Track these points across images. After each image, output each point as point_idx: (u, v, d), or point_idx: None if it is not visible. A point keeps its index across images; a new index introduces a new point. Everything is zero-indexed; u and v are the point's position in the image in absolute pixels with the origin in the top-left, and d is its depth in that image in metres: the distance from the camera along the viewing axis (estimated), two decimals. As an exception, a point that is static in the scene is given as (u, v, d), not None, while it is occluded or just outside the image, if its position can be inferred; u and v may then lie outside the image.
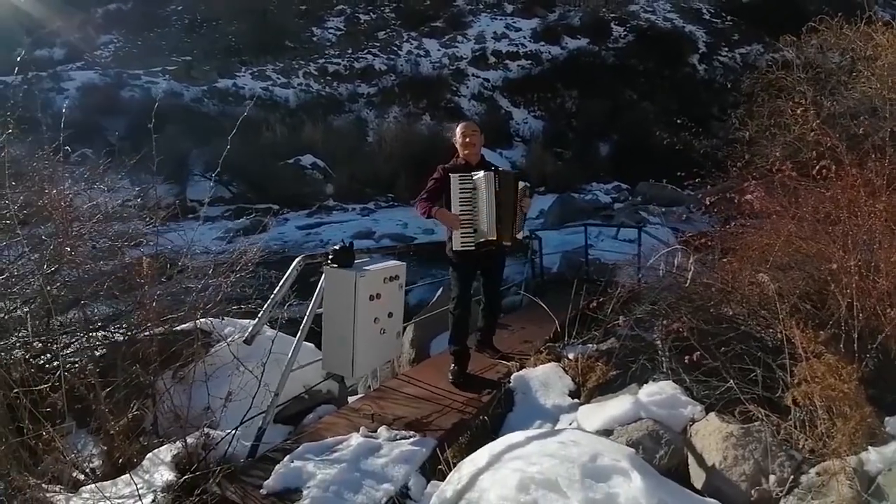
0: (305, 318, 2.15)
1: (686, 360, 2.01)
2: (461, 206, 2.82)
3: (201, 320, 2.41)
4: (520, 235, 3.03)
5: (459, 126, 3.10)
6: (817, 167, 2.27)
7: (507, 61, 26.72)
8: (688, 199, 17.55)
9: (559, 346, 3.08)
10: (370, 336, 2.12)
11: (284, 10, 31.70)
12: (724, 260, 2.54)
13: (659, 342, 2.42)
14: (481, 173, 2.85)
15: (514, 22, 29.17)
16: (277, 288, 2.05)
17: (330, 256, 2.09)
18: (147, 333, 2.47)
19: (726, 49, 26.52)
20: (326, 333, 2.12)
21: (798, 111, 3.35)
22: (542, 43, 27.42)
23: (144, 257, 2.35)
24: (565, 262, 8.66)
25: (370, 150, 20.02)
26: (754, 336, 2.11)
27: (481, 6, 30.93)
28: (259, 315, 1.97)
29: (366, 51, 28.11)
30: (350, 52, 28.01)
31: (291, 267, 2.07)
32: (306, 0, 32.47)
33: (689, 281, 2.17)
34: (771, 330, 2.11)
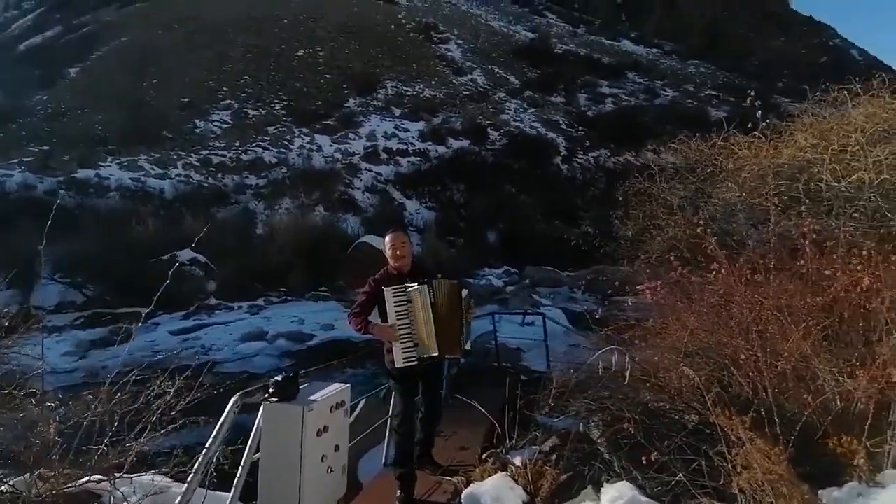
0: (240, 469, 1.80)
1: (643, 461, 2.09)
2: (398, 319, 2.74)
3: (95, 479, 1.86)
4: (467, 346, 3.00)
5: (388, 237, 3.08)
6: (713, 269, 2.71)
7: (397, 157, 28.46)
8: (567, 280, 19.49)
9: (502, 452, 3.00)
10: (318, 479, 1.84)
11: (163, 101, 30.58)
12: (642, 352, 2.80)
13: (603, 439, 2.49)
14: (415, 286, 2.83)
15: (402, 123, 31.66)
16: (212, 438, 1.70)
17: (270, 390, 1.83)
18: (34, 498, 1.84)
19: (581, 153, 31.56)
20: (264, 484, 1.79)
21: (669, 216, 4.07)
22: (430, 142, 29.98)
23: (52, 424, 1.80)
24: (474, 351, 8.77)
25: (260, 242, 19.05)
26: (688, 426, 2.30)
27: (371, 108, 33.21)
28: (188, 481, 1.58)
29: (255, 144, 27.87)
30: (238, 144, 27.53)
31: (228, 408, 1.76)
32: (189, 92, 31.86)
33: (627, 378, 2.34)
34: (700, 417, 2.32)
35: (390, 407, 3.45)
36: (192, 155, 25.86)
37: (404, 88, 35.93)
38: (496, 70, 41.00)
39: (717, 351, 2.63)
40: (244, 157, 26.59)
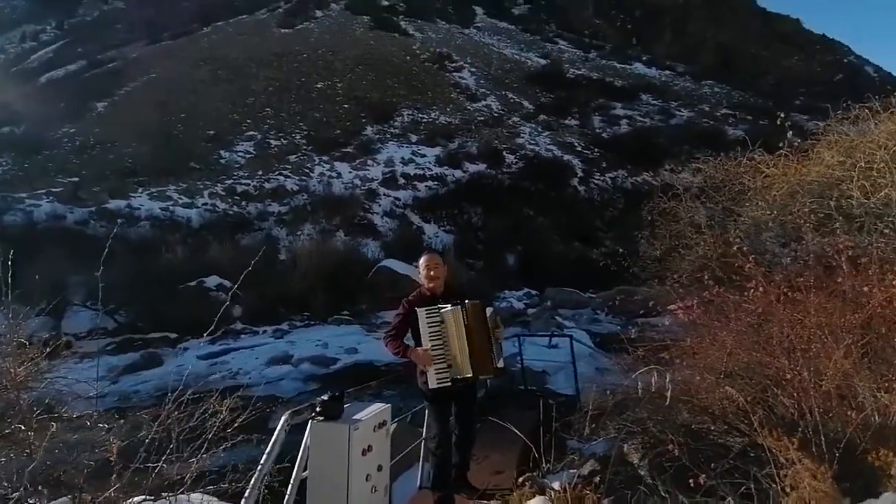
0: (290, 488, 1.84)
1: (690, 484, 2.05)
2: (432, 340, 2.77)
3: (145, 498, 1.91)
4: (500, 364, 3.01)
5: (422, 258, 3.14)
6: (749, 287, 2.70)
7: (415, 182, 28.94)
8: (590, 301, 19.24)
9: (539, 476, 2.96)
10: (364, 497, 1.86)
11: (190, 133, 31.90)
12: (684, 372, 2.77)
13: (645, 462, 2.45)
14: (448, 307, 2.86)
15: (419, 150, 32.29)
16: (265, 456, 1.75)
17: (317, 409, 1.88)
18: None
19: (598, 174, 31.59)
20: (313, 502, 1.82)
21: (698, 235, 4.06)
22: (446, 167, 30.43)
23: (114, 443, 1.88)
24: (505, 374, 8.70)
25: (283, 268, 19.40)
26: (733, 448, 2.25)
27: (388, 136, 34.02)
28: (246, 496, 1.63)
29: (277, 172, 28.72)
30: (260, 173, 28.40)
31: (279, 427, 1.81)
32: (214, 125, 33.19)
33: (668, 399, 2.31)
34: (747, 438, 2.27)
35: (423, 429, 3.45)
36: (218, 184, 26.73)
37: (420, 116, 36.78)
38: (510, 95, 41.72)
39: (757, 370, 2.59)
40: (267, 185, 27.37)
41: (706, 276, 3.00)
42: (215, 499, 2.18)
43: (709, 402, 2.48)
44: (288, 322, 16.69)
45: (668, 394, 2.27)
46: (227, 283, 17.37)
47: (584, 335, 11.31)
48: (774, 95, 44.76)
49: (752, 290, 2.64)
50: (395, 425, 4.52)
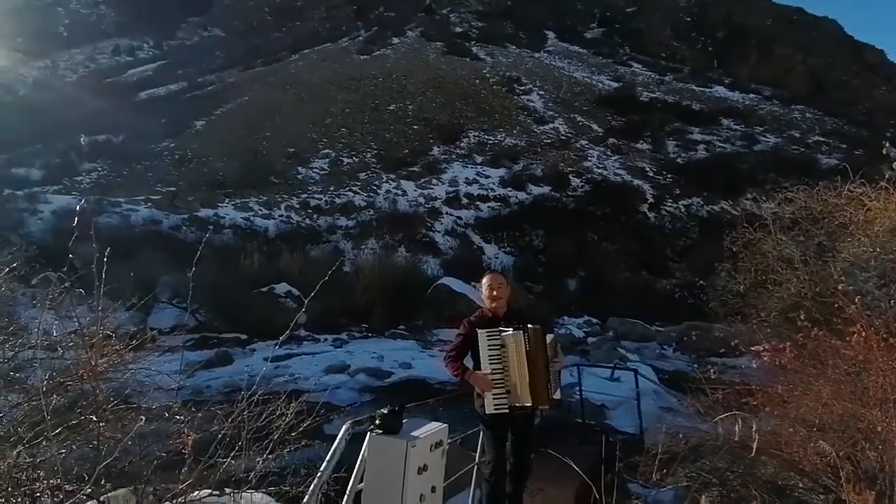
0: (346, 498, 1.86)
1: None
2: (491, 364, 2.70)
3: (209, 494, 2.02)
4: (557, 395, 2.89)
5: (486, 278, 3.10)
6: (852, 332, 2.39)
7: (478, 202, 29.10)
8: (656, 335, 18.09)
9: (598, 519, 2.76)
10: (416, 519, 1.84)
11: (273, 151, 34.47)
12: (776, 422, 2.49)
13: (723, 519, 2.21)
14: (510, 331, 2.79)
15: (483, 170, 32.54)
16: (325, 463, 1.79)
17: (377, 421, 1.89)
18: None
19: (671, 201, 30.02)
20: (367, 516, 1.82)
21: (791, 270, 3.68)
22: (510, 188, 30.35)
23: (188, 435, 2.03)
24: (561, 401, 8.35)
25: (346, 280, 20.15)
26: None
27: (454, 157, 34.66)
28: (304, 502, 1.67)
29: (347, 188, 30.17)
30: (332, 188, 29.97)
31: (340, 435, 1.85)
32: (294, 143, 35.67)
33: (754, 451, 2.08)
34: (833, 495, 2.00)
35: (476, 453, 3.36)
36: (294, 198, 28.52)
37: (486, 137, 37.17)
38: (578, 119, 41.11)
39: (851, 424, 2.28)
40: (337, 200, 28.79)
41: (800, 317, 2.69)
42: (274, 500, 2.25)
43: (799, 456, 2.20)
44: (347, 332, 17.24)
45: (755, 445, 2.04)
46: (294, 290, 18.36)
47: (648, 370, 10.60)
48: (867, 125, 40.52)
49: (854, 335, 2.33)
50: (447, 445, 4.47)
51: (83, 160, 34.37)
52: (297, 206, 27.86)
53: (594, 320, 20.07)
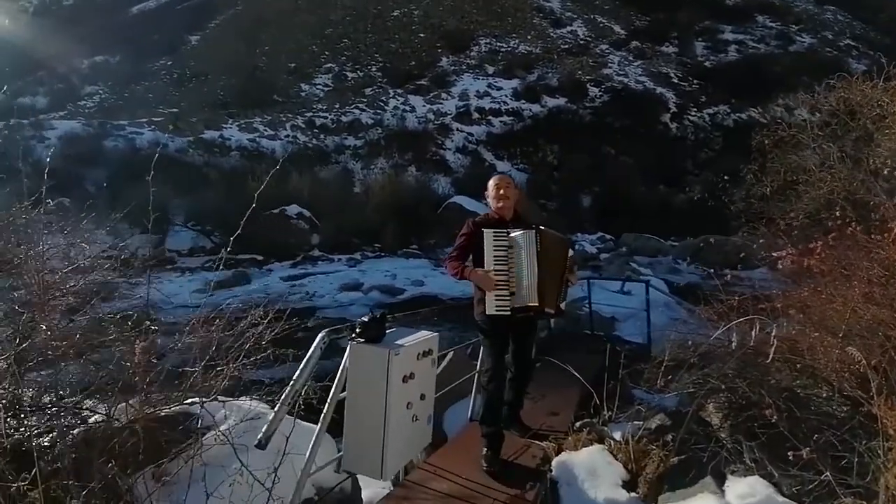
0: (326, 405, 1.78)
1: (790, 456, 1.72)
2: (496, 264, 2.53)
3: (189, 402, 2.00)
4: (563, 306, 2.74)
5: (492, 179, 2.85)
6: (892, 227, 2.11)
7: (489, 117, 27.72)
8: (671, 249, 17.86)
9: (598, 423, 2.73)
10: (402, 426, 1.76)
11: (273, 66, 32.68)
12: (797, 329, 2.30)
13: (727, 425, 2.12)
14: (519, 231, 2.60)
15: (495, 82, 30.59)
16: (298, 372, 1.69)
17: (357, 329, 1.76)
18: (126, 422, 2.04)
19: (695, 109, 28.15)
20: (349, 425, 1.75)
21: (827, 169, 3.30)
22: (523, 101, 28.68)
23: (137, 344, 1.96)
24: (565, 313, 8.39)
25: (357, 200, 19.95)
26: (843, 418, 1.85)
27: (464, 67, 32.47)
28: (275, 410, 1.59)
29: (353, 105, 28.87)
30: (337, 106, 28.71)
31: (315, 344, 1.73)
32: (295, 57, 33.66)
33: (770, 357, 1.91)
34: (859, 407, 1.86)
35: (478, 363, 3.32)
36: (299, 117, 27.51)
37: (498, 44, 34.48)
38: (599, 20, 37.56)
39: (881, 331, 2.08)
40: (343, 118, 27.71)
41: (835, 214, 2.39)
42: (264, 405, 2.22)
43: (821, 364, 2.04)
44: (360, 252, 17.41)
45: (772, 350, 1.87)
46: (306, 212, 18.34)
47: (660, 283, 10.51)
48: (891, 34, 36.24)
49: (891, 234, 2.05)
50: (451, 354, 4.49)
51: (84, 84, 33.28)
52: (303, 125, 26.96)
53: (608, 236, 19.83)
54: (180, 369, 2.08)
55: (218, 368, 2.11)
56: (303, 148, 25.09)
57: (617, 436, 2.50)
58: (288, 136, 25.95)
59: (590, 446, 2.50)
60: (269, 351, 2.11)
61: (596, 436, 2.60)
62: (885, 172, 3.05)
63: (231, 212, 16.62)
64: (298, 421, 1.81)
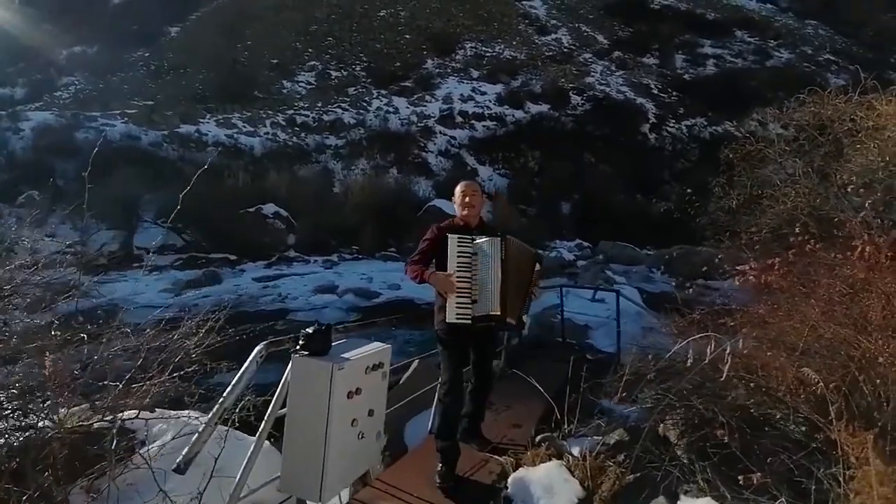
0: (264, 422, 1.68)
1: (740, 479, 1.69)
2: (459, 271, 2.45)
3: (124, 414, 1.87)
4: (526, 319, 2.68)
5: (459, 185, 2.77)
6: (854, 246, 2.12)
7: (473, 122, 27.78)
8: (646, 258, 18.12)
9: (558, 436, 2.69)
10: (346, 444, 1.67)
11: (255, 62, 32.10)
12: (749, 344, 2.29)
13: (683, 442, 2.09)
14: (485, 238, 2.53)
15: (479, 86, 30.69)
16: (230, 386, 1.58)
17: (300, 342, 1.66)
18: (64, 431, 1.90)
19: (673, 121, 28.76)
20: (289, 442, 1.65)
21: (792, 183, 3.33)
22: (506, 106, 28.84)
23: (48, 357, 1.81)
24: (537, 323, 8.36)
25: (336, 200, 19.69)
26: (798, 440, 1.83)
27: (449, 70, 32.50)
28: (200, 431, 1.47)
29: (335, 105, 28.55)
30: (320, 105, 28.35)
31: (251, 357, 1.62)
32: (278, 54, 33.14)
33: (724, 374, 1.89)
34: (816, 430, 1.84)
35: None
36: (279, 114, 27.05)
37: (484, 49, 34.64)
38: (583, 28, 38.11)
39: (843, 351, 2.08)
40: (325, 117, 27.36)
41: (795, 231, 2.40)
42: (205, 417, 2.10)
43: (777, 383, 2.03)
44: (337, 254, 17.15)
45: (726, 368, 1.85)
46: (283, 211, 17.99)
47: (634, 292, 10.62)
48: (874, 48, 37.83)
49: (856, 251, 2.06)
50: (416, 362, 4.39)
51: (61, 74, 32.15)
52: (284, 122, 26.52)
53: (585, 244, 20.01)
54: (103, 383, 1.95)
55: (158, 379, 1.99)
56: (282, 146, 24.67)
57: (575, 451, 2.45)
58: (267, 133, 25.49)
59: (548, 462, 2.45)
60: (202, 362, 1.99)
61: (555, 451, 2.55)
62: (850, 189, 3.10)
63: (204, 209, 16.22)
64: (235, 434, 1.70)
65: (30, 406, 2.08)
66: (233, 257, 15.86)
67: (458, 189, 2.79)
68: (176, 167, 20.20)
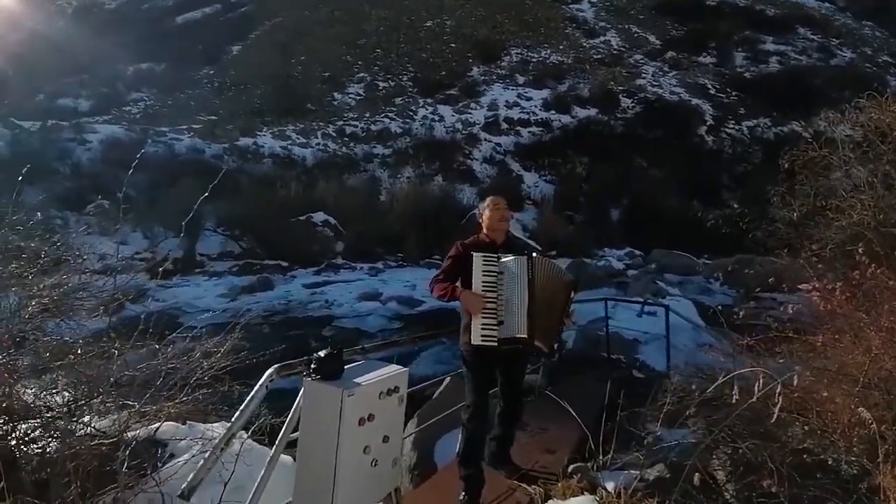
0: (275, 447, 1.68)
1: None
2: (485, 291, 2.38)
3: (155, 426, 1.94)
4: (556, 346, 2.55)
5: (490, 199, 2.69)
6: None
7: (518, 128, 27.49)
8: (703, 268, 17.06)
9: (592, 468, 2.52)
10: (357, 472, 1.63)
11: (308, 76, 33.54)
12: (805, 379, 2.04)
13: (731, 486, 1.88)
14: (511, 256, 2.43)
15: (525, 92, 30.37)
16: (237, 414, 1.59)
17: (312, 365, 1.65)
18: (91, 442, 1.99)
19: (733, 122, 27.10)
20: (301, 468, 1.63)
21: (856, 194, 2.98)
22: (553, 111, 28.33)
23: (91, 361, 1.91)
24: (582, 337, 8.04)
25: (382, 208, 20.08)
26: (843, 485, 1.60)
27: (494, 77, 32.42)
28: (204, 459, 1.49)
29: (383, 115, 29.23)
30: (368, 115, 29.14)
31: (260, 383, 1.62)
32: (329, 67, 34.43)
33: (775, 416, 1.68)
34: (868, 478, 1.60)
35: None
36: (330, 126, 28.05)
37: (529, 54, 34.28)
38: (634, 29, 36.84)
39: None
40: (373, 127, 28.07)
41: (859, 250, 2.13)
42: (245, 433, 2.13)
43: (833, 421, 1.79)
44: (382, 261, 17.45)
45: (777, 409, 1.64)
46: (331, 219, 18.57)
47: (689, 305, 9.99)
48: None
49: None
50: (448, 380, 4.31)
51: (129, 90, 34.96)
52: (334, 133, 27.47)
53: (637, 252, 19.18)
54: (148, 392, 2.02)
55: (188, 391, 2.05)
56: (332, 156, 25.53)
57: (610, 486, 2.28)
58: (319, 143, 26.48)
59: (580, 496, 2.30)
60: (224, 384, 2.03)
61: (587, 484, 2.39)
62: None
63: (259, 218, 17.04)
64: (256, 447, 1.70)
65: (71, 412, 2.19)
66: (284, 264, 16.55)
67: (488, 204, 2.70)
68: (234, 178, 21.42)
